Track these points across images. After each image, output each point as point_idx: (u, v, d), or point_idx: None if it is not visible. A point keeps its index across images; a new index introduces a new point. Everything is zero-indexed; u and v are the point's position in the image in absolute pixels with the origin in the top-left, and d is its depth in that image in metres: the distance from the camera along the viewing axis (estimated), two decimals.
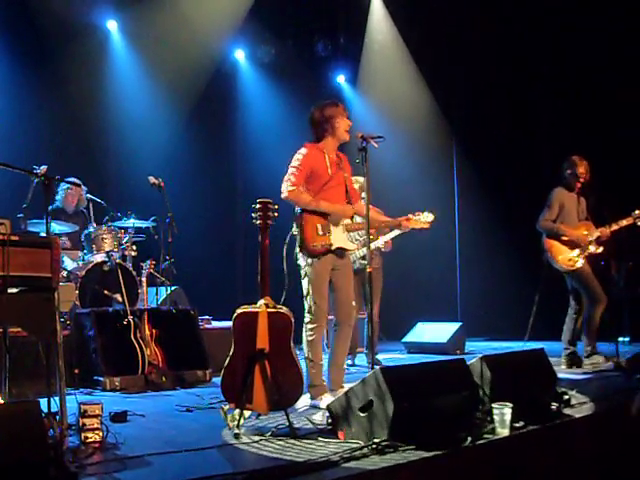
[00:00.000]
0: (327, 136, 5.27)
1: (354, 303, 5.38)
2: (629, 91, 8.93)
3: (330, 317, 5.63)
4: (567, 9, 9.56)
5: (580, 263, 6.96)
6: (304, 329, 5.15)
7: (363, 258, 7.39)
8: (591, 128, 9.52)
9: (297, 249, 5.15)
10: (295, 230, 5.16)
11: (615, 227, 7.00)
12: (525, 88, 10.47)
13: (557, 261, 7.06)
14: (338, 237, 5.18)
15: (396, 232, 7.08)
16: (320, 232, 5.12)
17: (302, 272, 5.17)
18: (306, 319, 5.14)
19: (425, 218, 5.48)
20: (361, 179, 7.70)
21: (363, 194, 5.32)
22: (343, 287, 5.28)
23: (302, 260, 5.16)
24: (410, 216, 5.47)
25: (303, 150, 5.24)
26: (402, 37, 11.97)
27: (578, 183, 7.12)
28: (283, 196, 5.09)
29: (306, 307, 5.15)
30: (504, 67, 10.53)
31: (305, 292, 5.16)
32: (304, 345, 5.16)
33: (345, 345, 5.36)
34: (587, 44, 9.55)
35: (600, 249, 7.06)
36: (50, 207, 7.75)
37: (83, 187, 7.94)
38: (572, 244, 7.03)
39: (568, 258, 7.02)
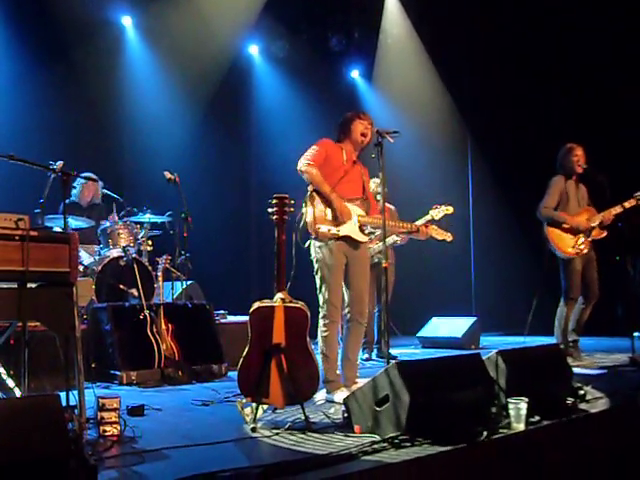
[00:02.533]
0: (345, 138, 5.40)
1: (367, 300, 5.39)
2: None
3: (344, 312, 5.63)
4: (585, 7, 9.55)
5: (585, 249, 6.94)
6: (319, 324, 5.16)
7: (378, 253, 7.38)
8: (605, 124, 9.51)
9: (304, 234, 5.15)
10: (303, 209, 5.17)
11: (618, 210, 6.94)
12: (540, 83, 10.42)
13: (559, 249, 7.02)
14: (347, 226, 5.19)
15: (396, 238, 7.15)
16: (329, 217, 5.15)
17: (315, 265, 5.19)
18: (320, 314, 5.16)
19: (444, 211, 5.58)
20: (377, 180, 7.75)
21: (378, 196, 5.36)
22: (356, 282, 5.26)
23: (313, 249, 5.18)
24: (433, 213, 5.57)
25: (320, 140, 5.34)
26: (416, 31, 11.95)
27: (578, 169, 7.08)
28: (298, 168, 5.17)
29: (320, 301, 5.17)
30: (519, 61, 10.50)
31: (318, 286, 5.17)
32: (319, 340, 5.18)
33: (357, 341, 5.37)
34: (601, 44, 9.53)
35: (603, 234, 7.02)
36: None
37: (99, 182, 7.99)
38: (573, 231, 7.01)
39: (571, 245, 6.98)
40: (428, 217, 6.21)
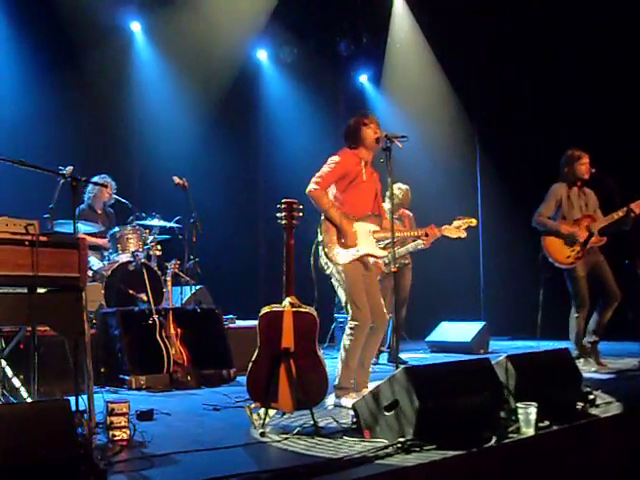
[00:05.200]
0: (359, 145, 5.27)
1: (385, 309, 5.37)
2: None
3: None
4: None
5: (582, 256, 6.75)
6: (346, 333, 5.10)
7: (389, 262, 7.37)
8: (613, 126, 9.49)
9: (323, 257, 5.13)
10: (320, 236, 5.13)
11: (621, 214, 6.70)
12: (548, 85, 10.42)
13: (555, 259, 6.85)
14: (365, 243, 5.13)
15: (419, 243, 7.13)
16: (343, 239, 5.11)
17: (335, 282, 5.16)
18: (350, 324, 5.08)
19: (468, 223, 5.52)
20: (404, 187, 7.76)
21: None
22: (372, 293, 5.21)
23: (331, 268, 5.13)
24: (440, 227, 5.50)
25: (341, 153, 5.25)
26: (425, 35, 11.96)
27: (585, 176, 6.86)
28: (307, 191, 5.10)
29: (349, 314, 5.10)
30: (526, 63, 10.50)
31: (344, 300, 5.13)
32: (342, 347, 5.12)
33: (374, 348, 5.34)
34: (608, 42, 9.51)
35: (603, 241, 6.80)
36: (79, 208, 7.82)
37: (113, 185, 8.03)
38: (570, 240, 6.79)
39: (566, 255, 6.80)
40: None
